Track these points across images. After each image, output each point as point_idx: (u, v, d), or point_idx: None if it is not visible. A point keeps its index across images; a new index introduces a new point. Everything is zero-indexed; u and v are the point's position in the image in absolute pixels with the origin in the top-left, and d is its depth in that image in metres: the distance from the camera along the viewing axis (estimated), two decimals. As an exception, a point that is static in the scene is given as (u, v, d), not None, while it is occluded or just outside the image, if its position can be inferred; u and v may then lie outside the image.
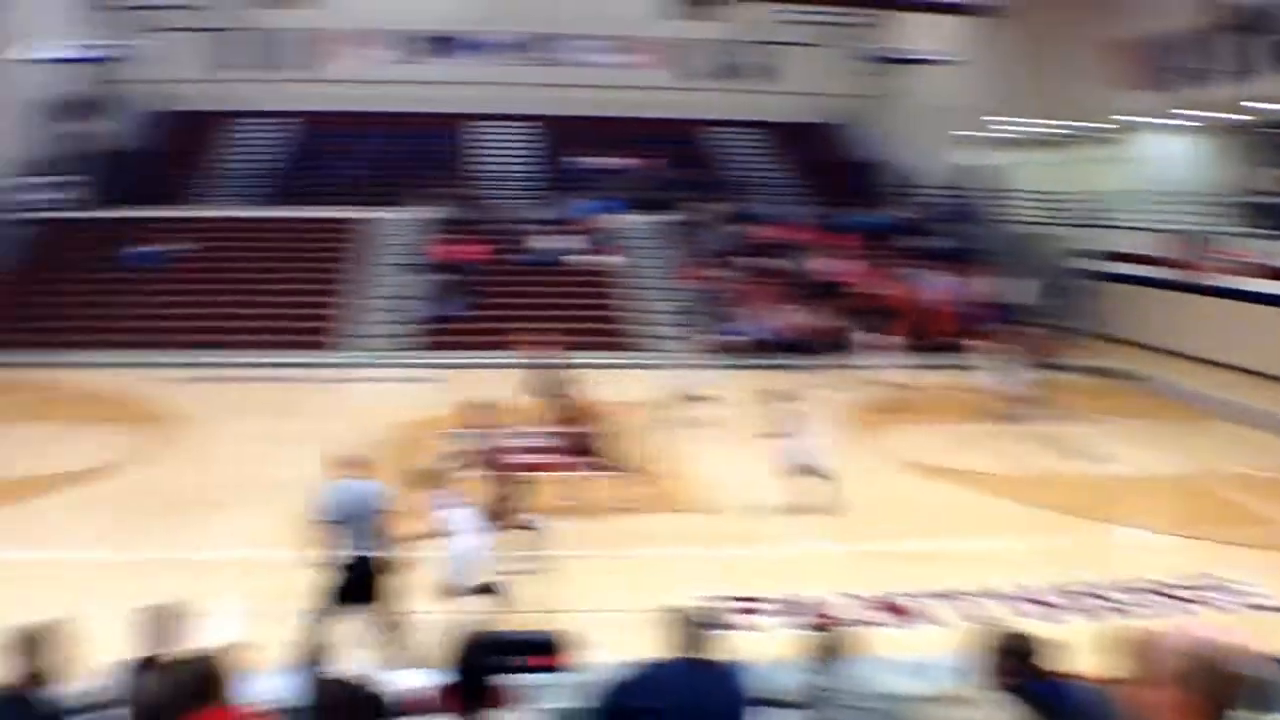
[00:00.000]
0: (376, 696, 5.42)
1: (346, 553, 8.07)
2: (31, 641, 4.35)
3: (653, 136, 32.46)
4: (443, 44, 35.04)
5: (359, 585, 8.10)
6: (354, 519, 8.07)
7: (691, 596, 5.78)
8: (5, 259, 26.88)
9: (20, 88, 29.26)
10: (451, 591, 8.82)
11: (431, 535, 9.28)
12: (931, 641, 8.52)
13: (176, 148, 32.48)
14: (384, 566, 8.20)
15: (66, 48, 29.13)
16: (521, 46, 35.00)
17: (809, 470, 12.50)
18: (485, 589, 8.97)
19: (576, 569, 10.38)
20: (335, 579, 8.10)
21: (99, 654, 5.25)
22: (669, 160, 31.45)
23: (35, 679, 3.97)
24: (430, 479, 10.20)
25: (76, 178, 29.79)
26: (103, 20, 31.41)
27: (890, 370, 20.57)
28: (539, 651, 6.27)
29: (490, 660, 3.93)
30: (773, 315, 23.69)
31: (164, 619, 5.42)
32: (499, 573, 9.21)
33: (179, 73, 32.57)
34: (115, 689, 4.93)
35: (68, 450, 15.41)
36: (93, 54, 29.26)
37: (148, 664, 5.14)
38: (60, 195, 28.92)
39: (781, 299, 24.36)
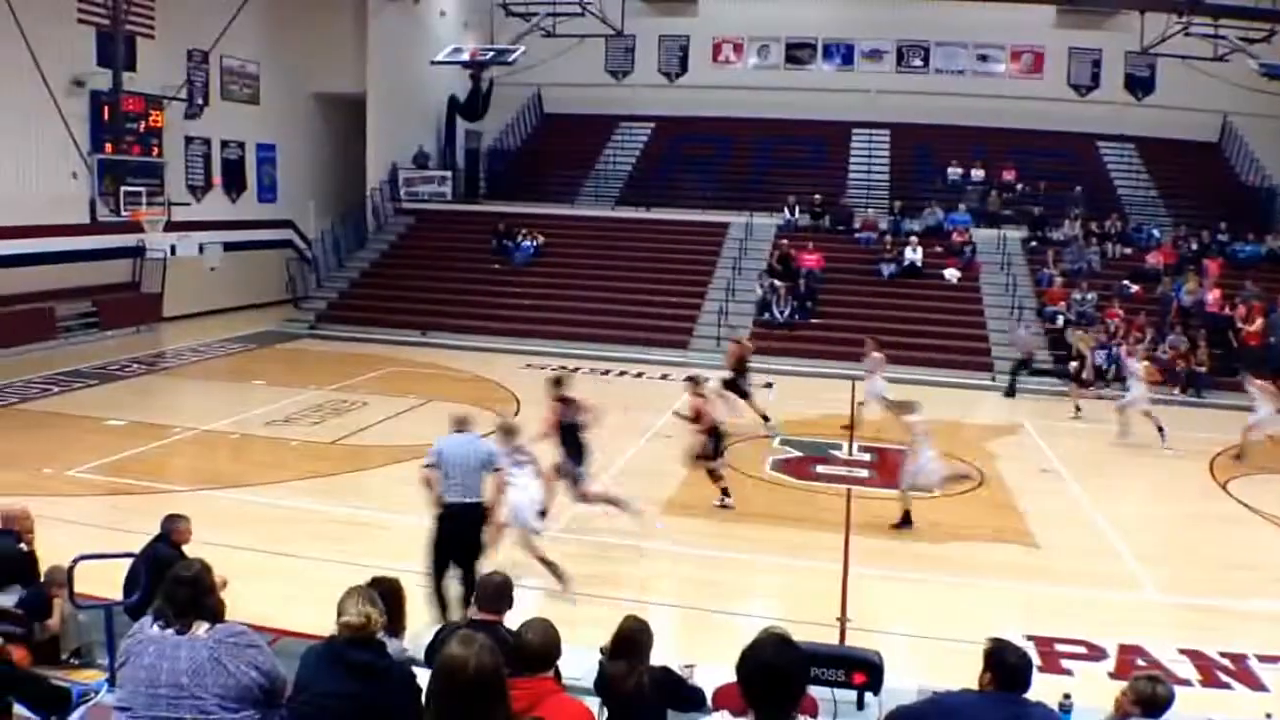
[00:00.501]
0: (695, 688, 5.68)
1: (451, 500, 8.63)
2: (375, 593, 4.63)
3: (1024, 149, 31.29)
4: (813, 51, 35.18)
5: (457, 534, 8.65)
6: (459, 470, 8.64)
7: (1006, 630, 5.64)
8: (385, 245, 29.78)
9: (424, 88, 32.13)
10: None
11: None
12: (1252, 708, 7.84)
13: (553, 147, 34.43)
14: (481, 517, 8.73)
15: (464, 51, 31.59)
16: (891, 54, 34.60)
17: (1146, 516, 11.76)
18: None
19: (888, 588, 10.28)
20: (436, 527, 8.72)
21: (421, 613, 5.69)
22: (1040, 174, 30.14)
23: (370, 628, 4.34)
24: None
25: (458, 172, 32.44)
26: (497, 25, 33.80)
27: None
28: (856, 668, 6.25)
29: (800, 668, 4.01)
30: (1137, 344, 22.14)
31: (498, 585, 5.76)
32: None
33: (562, 76, 34.51)
34: (435, 648, 5.16)
35: (423, 423, 16.72)
36: (486, 57, 31.55)
37: (479, 626, 5.55)
38: (441, 188, 31.58)
39: (1150, 327, 22.71)
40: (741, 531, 11.75)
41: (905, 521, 12.04)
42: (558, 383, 11.76)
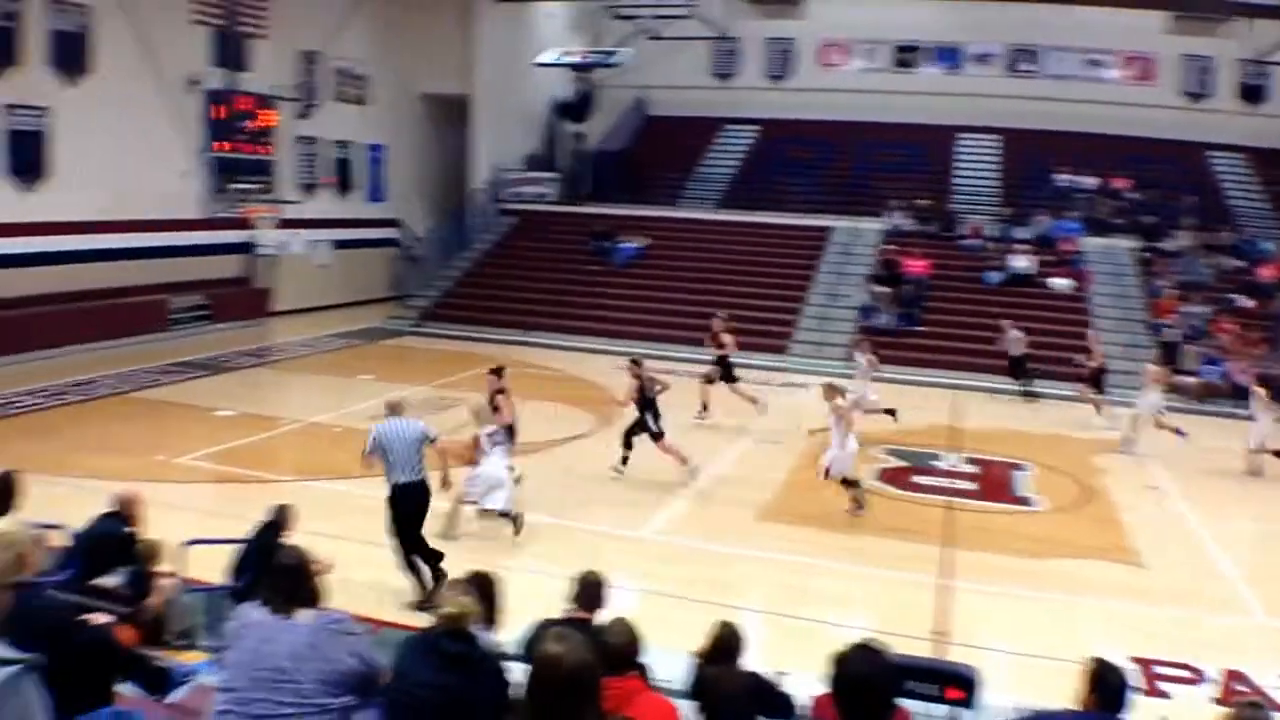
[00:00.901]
0: (785, 695, 5.60)
1: (392, 481, 9.26)
2: (470, 586, 4.68)
3: (1134, 156, 30.43)
4: (920, 54, 34.73)
5: (407, 509, 9.26)
6: (400, 452, 9.26)
7: (1106, 650, 5.45)
8: (488, 244, 30.11)
9: (529, 90, 32.47)
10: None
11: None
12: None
13: (656, 149, 34.45)
14: (421, 494, 9.32)
15: (570, 53, 31.84)
16: (1000, 58, 33.95)
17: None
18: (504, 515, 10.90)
19: (986, 603, 10.05)
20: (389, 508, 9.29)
21: (517, 607, 5.71)
22: (1151, 183, 29.37)
23: (465, 619, 4.35)
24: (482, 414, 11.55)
25: (561, 173, 32.68)
26: (602, 28, 34.01)
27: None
28: (951, 683, 6.12)
29: (890, 680, 3.92)
30: (1252, 359, 21.38)
31: (593, 585, 5.76)
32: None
33: (666, 78, 34.54)
34: (531, 644, 5.22)
35: (527, 422, 16.81)
36: (591, 59, 31.77)
37: (573, 625, 5.54)
38: (544, 189, 31.84)
39: (1266, 342, 21.93)
40: (838, 540, 11.61)
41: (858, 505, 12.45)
42: (636, 362, 14.00)
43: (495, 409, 12.13)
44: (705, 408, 17.57)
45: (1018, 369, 21.00)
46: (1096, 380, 19.05)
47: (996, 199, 30.22)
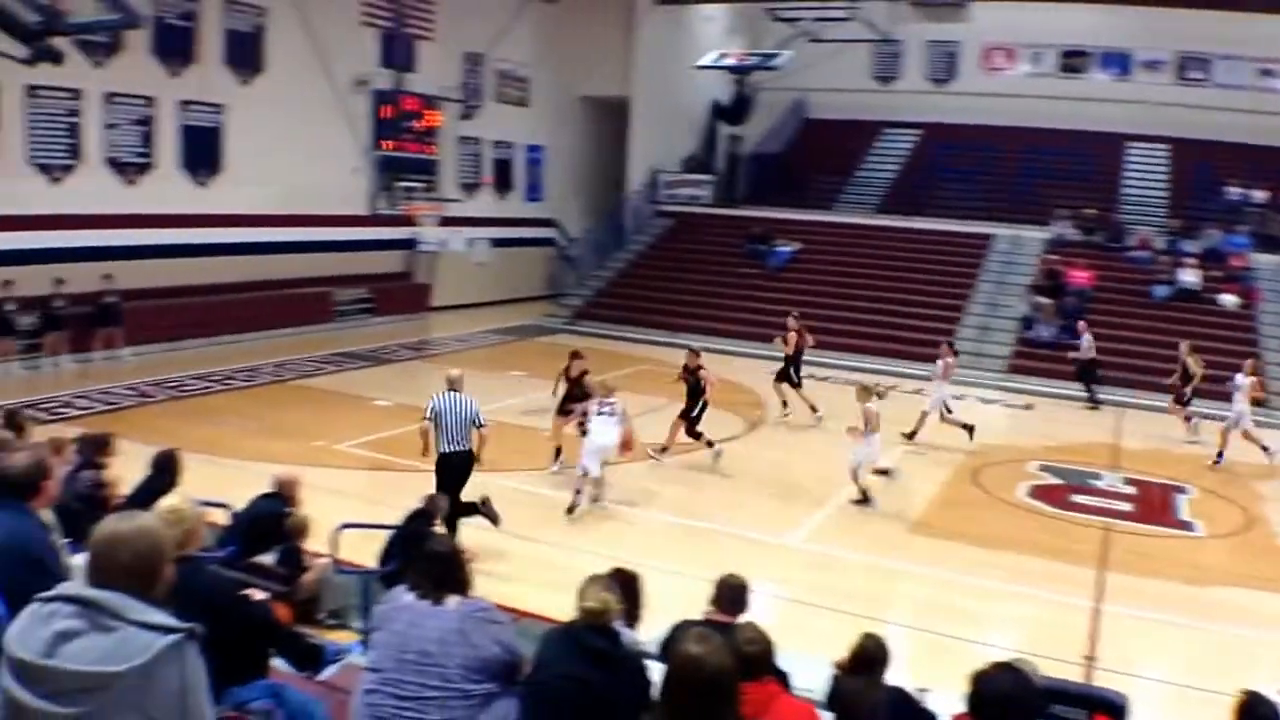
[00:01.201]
0: (929, 713, 5.48)
1: (439, 449, 10.29)
2: (614, 583, 4.67)
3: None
4: (1088, 60, 33.63)
5: (450, 474, 10.23)
6: (452, 425, 10.30)
7: (1260, 683, 5.18)
8: (643, 246, 30.32)
9: (687, 93, 32.59)
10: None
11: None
12: None
13: (814, 152, 34.19)
14: (465, 462, 10.32)
15: (730, 56, 31.84)
16: (1169, 65, 32.61)
17: None
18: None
19: (1141, 629, 9.67)
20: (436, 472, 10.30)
21: (658, 606, 5.72)
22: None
23: (607, 616, 4.38)
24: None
25: (717, 176, 32.69)
26: (761, 30, 33.89)
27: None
28: (1099, 708, 5.90)
29: (1033, 702, 3.80)
30: None
31: (735, 588, 5.74)
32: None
33: (826, 81, 34.17)
34: (670, 645, 5.28)
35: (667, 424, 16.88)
36: (751, 62, 31.70)
37: (713, 627, 5.52)
38: (699, 191, 31.89)
39: None
40: (988, 557, 11.29)
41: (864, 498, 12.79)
42: (696, 354, 14.95)
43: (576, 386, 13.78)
44: (816, 409, 17.45)
45: (1086, 375, 20.60)
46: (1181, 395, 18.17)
47: (1164, 210, 29.01)
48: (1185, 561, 11.58)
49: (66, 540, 4.53)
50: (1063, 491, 14.23)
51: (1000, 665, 3.67)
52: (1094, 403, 20.40)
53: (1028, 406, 19.06)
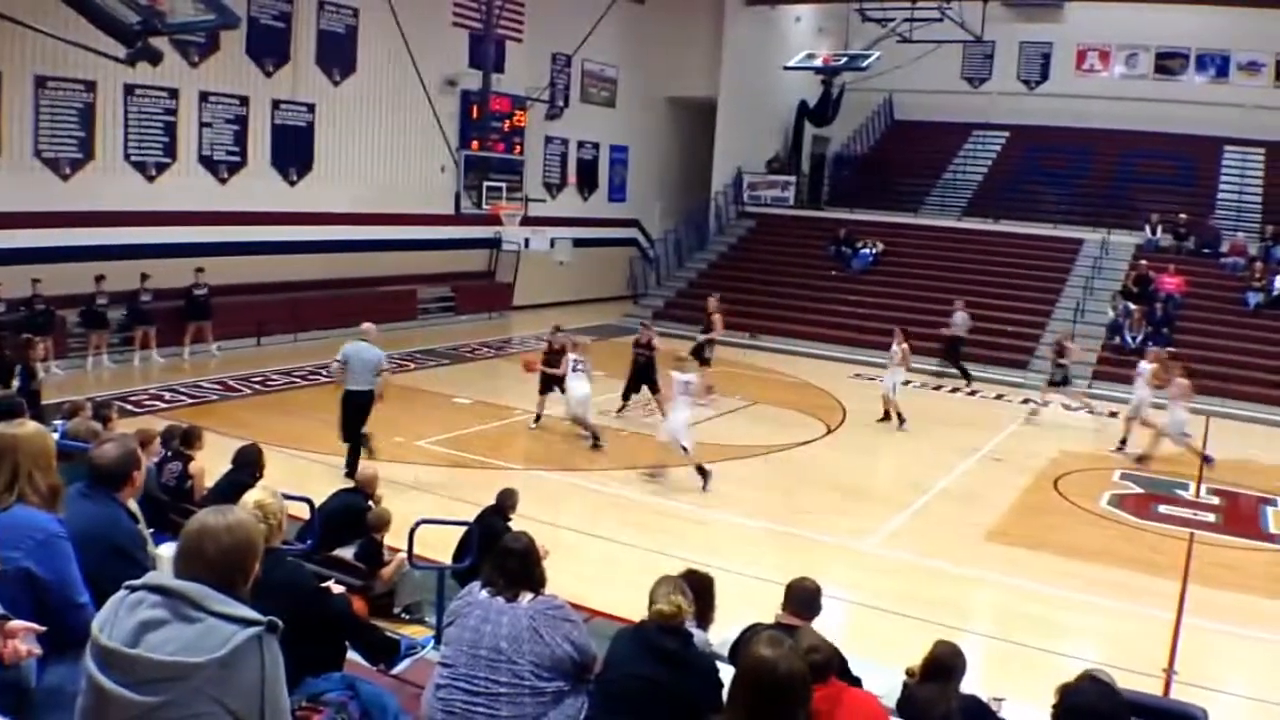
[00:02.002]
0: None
1: (347, 386, 12.22)
2: (685, 584, 4.69)
3: None
4: (1184, 62, 32.80)
5: (352, 409, 12.17)
6: (358, 368, 12.17)
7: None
8: (725, 247, 30.26)
9: (774, 93, 32.47)
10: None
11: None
12: None
13: (901, 154, 33.81)
14: (365, 399, 12.18)
15: (818, 56, 31.61)
16: (1270, 68, 31.59)
17: None
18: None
19: (1224, 644, 9.49)
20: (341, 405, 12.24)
21: (728, 608, 5.72)
22: None
23: (679, 617, 4.40)
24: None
25: (802, 177, 32.52)
26: (850, 31, 33.64)
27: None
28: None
29: (1121, 715, 3.74)
30: None
31: (807, 591, 5.74)
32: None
33: (915, 82, 33.74)
34: (741, 647, 5.28)
35: (748, 425, 16.89)
36: (839, 63, 31.44)
37: (784, 630, 5.51)
38: (783, 193, 31.75)
39: None
40: (1067, 566, 11.08)
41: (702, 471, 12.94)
42: (647, 327, 16.79)
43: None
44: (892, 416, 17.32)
45: (951, 352, 21.49)
46: None
47: (1259, 216, 28.18)
48: (1272, 575, 11.28)
49: (151, 530, 4.65)
50: (1147, 501, 13.94)
51: (1089, 678, 3.63)
52: (966, 377, 21.31)
53: (1112, 414, 18.64)
